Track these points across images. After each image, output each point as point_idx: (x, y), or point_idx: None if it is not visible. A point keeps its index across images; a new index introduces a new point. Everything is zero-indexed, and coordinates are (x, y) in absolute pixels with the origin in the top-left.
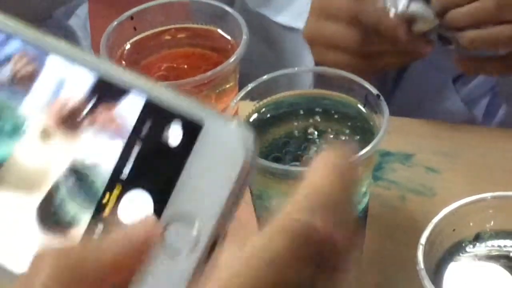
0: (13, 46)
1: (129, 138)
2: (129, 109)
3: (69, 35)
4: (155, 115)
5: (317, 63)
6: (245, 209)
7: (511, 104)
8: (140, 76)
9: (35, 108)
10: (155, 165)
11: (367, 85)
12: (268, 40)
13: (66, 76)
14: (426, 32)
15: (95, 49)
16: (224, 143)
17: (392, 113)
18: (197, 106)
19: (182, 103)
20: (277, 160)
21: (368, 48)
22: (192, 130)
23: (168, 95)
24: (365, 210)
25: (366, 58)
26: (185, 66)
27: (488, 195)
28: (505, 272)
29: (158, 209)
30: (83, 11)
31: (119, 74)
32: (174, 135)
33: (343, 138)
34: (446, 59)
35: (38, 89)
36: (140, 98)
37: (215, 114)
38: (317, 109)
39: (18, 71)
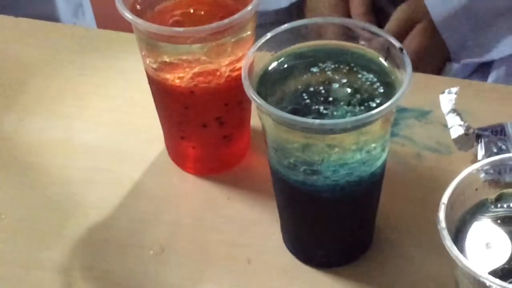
0: None
1: None
2: None
3: None
4: None
5: None
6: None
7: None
8: None
9: None
10: None
11: (390, 37)
12: None
13: None
14: None
15: None
16: None
17: None
18: None
19: None
20: (294, 112)
21: None
22: None
23: None
24: (383, 166)
25: None
26: (202, 13)
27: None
28: None
29: None
30: None
31: None
32: None
33: (363, 91)
34: None
35: None
36: None
37: None
38: (336, 61)
39: None
